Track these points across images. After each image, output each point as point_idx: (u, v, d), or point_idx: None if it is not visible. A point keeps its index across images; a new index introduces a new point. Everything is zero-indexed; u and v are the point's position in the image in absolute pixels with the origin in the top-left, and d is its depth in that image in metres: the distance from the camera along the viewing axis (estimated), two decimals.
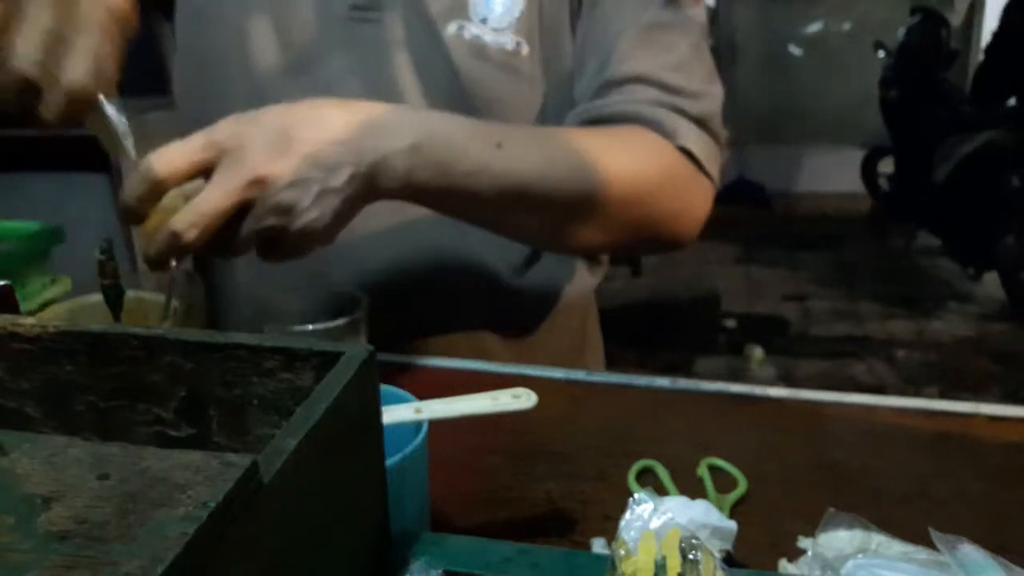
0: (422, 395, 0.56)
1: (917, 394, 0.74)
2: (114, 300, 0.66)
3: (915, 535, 0.49)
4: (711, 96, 0.84)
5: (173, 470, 0.31)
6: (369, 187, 0.68)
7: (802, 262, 4.25)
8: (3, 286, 0.49)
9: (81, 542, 0.28)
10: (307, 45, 0.86)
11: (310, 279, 0.86)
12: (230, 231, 0.64)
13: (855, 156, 4.58)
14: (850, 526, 0.50)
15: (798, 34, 5.33)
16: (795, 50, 5.35)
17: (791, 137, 5.29)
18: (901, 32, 4.04)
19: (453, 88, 0.84)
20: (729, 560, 0.53)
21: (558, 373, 0.84)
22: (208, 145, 0.62)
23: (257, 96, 0.87)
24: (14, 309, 0.60)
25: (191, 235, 0.61)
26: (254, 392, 0.43)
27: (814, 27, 5.31)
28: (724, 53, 5.00)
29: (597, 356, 1.08)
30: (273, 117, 0.65)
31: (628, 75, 0.82)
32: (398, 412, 0.54)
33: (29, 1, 0.58)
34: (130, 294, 0.68)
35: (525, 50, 0.84)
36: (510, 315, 0.95)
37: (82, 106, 0.61)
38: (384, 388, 0.54)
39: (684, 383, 0.81)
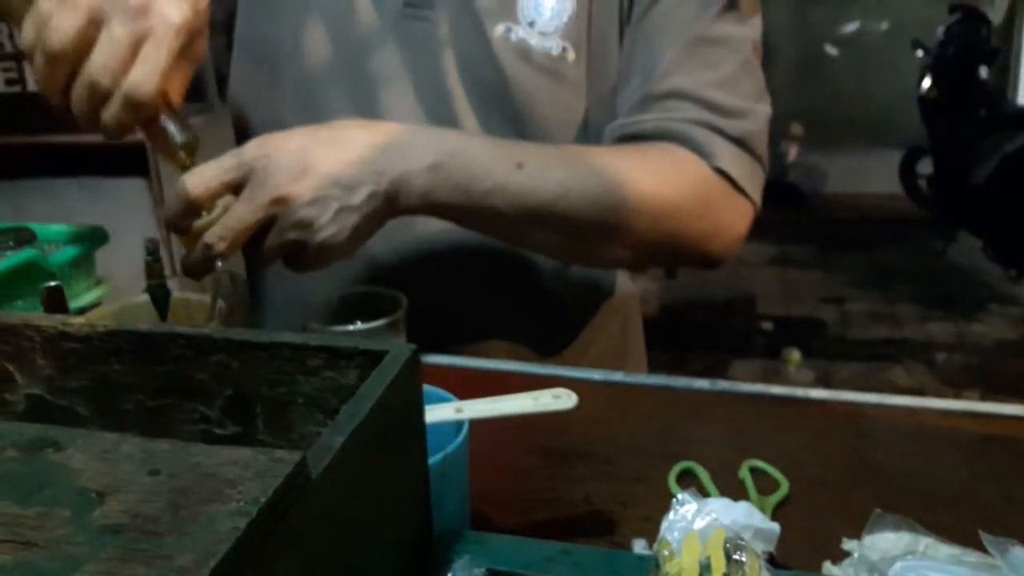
0: (461, 395, 0.56)
1: (958, 397, 0.73)
2: (161, 300, 0.68)
3: (962, 538, 0.49)
4: (755, 115, 0.82)
5: (223, 466, 0.32)
6: (389, 205, 0.71)
7: (839, 264, 4.21)
8: (54, 287, 0.50)
9: (134, 536, 0.29)
10: (360, 42, 0.88)
11: (354, 280, 0.87)
12: (258, 244, 0.69)
13: (893, 157, 4.52)
14: (897, 528, 0.49)
15: (835, 34, 5.27)
16: (831, 50, 5.29)
17: (828, 138, 5.23)
18: (940, 31, 3.98)
19: (497, 89, 0.84)
20: (772, 562, 0.53)
21: (597, 375, 0.83)
22: (237, 166, 0.67)
23: (308, 93, 0.89)
24: (63, 309, 0.61)
25: (221, 247, 0.67)
26: (299, 390, 0.44)
27: (851, 27, 5.25)
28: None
29: (639, 363, 1.08)
30: (298, 140, 0.69)
31: (669, 90, 0.81)
32: (439, 411, 0.54)
33: (110, 18, 0.63)
34: (176, 295, 0.69)
35: (571, 56, 0.84)
36: (551, 319, 0.95)
37: (139, 114, 0.65)
38: (425, 388, 0.54)
39: (724, 385, 0.80)
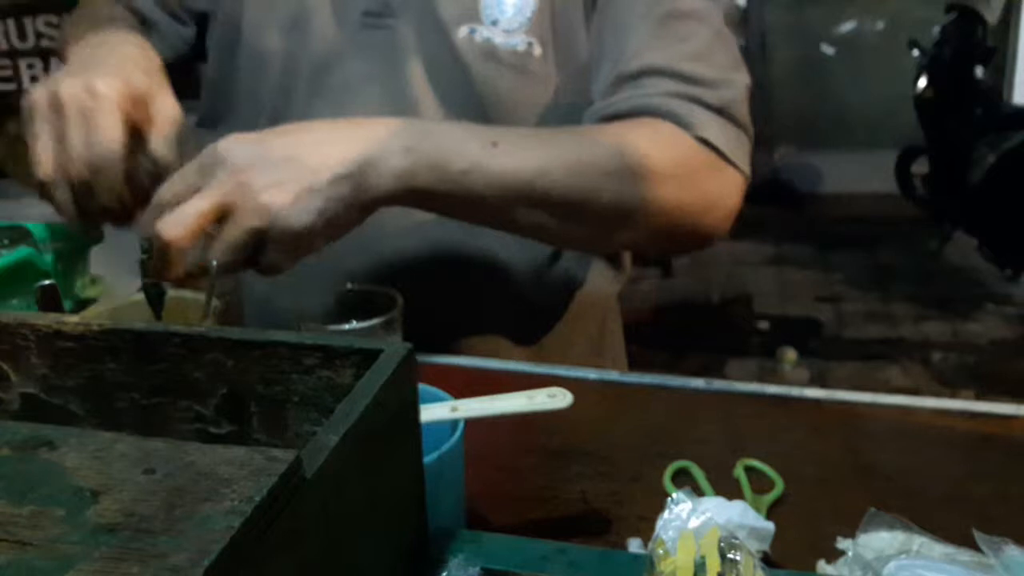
0: (456, 394, 0.56)
1: (953, 397, 0.73)
2: (155, 299, 0.67)
3: (956, 537, 0.49)
4: (734, 84, 0.81)
5: (218, 465, 0.32)
6: (359, 190, 0.68)
7: (835, 263, 4.21)
8: (48, 285, 0.49)
9: (129, 535, 0.29)
10: (322, 53, 0.88)
11: (336, 279, 0.86)
12: (212, 237, 0.66)
13: (889, 156, 4.52)
14: (891, 527, 0.49)
15: (831, 33, 5.27)
16: (827, 49, 5.30)
17: (824, 137, 5.23)
18: (936, 30, 3.99)
19: (466, 90, 0.84)
20: (766, 561, 0.53)
21: (592, 374, 0.83)
22: (216, 207, 0.65)
23: (274, 108, 0.89)
24: (58, 308, 0.61)
25: (174, 232, 0.63)
26: (294, 389, 0.44)
27: (847, 26, 5.25)
28: (755, 53, 4.96)
29: (617, 361, 1.07)
30: (256, 134, 0.68)
31: (642, 68, 0.80)
32: (435, 410, 0.54)
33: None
34: (171, 293, 0.68)
35: (537, 51, 0.84)
36: (526, 316, 0.95)
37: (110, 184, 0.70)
38: (421, 387, 0.54)
39: (719, 384, 0.80)
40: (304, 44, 0.88)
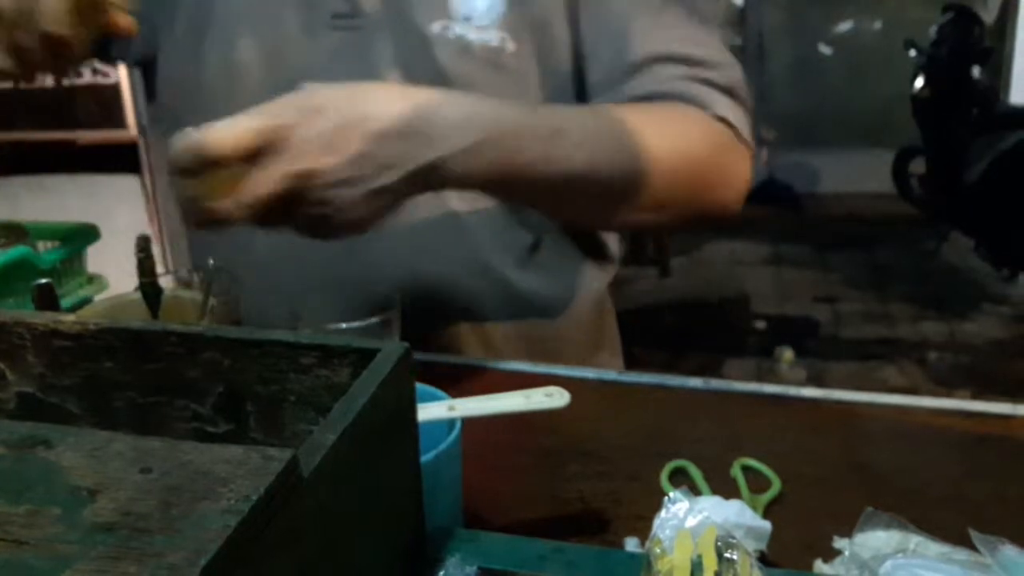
0: (453, 393, 0.56)
1: (949, 397, 0.73)
2: (153, 298, 0.67)
3: (953, 536, 0.49)
4: (732, 65, 0.85)
5: (214, 464, 0.32)
6: (422, 185, 0.67)
7: (832, 263, 4.21)
8: (45, 284, 0.49)
9: (126, 534, 0.29)
10: (292, 58, 0.87)
11: (338, 279, 0.86)
12: (272, 211, 0.63)
13: (886, 156, 4.52)
14: (888, 526, 0.49)
15: (828, 33, 5.28)
16: (825, 50, 5.30)
17: (821, 137, 5.23)
18: (933, 30, 3.99)
19: (439, 87, 0.84)
20: (763, 560, 0.53)
21: (590, 373, 0.83)
22: (261, 132, 0.60)
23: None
24: (54, 306, 0.61)
25: (237, 214, 0.61)
26: (291, 388, 0.44)
27: (844, 26, 5.26)
28: (752, 53, 4.97)
29: (615, 356, 1.08)
30: (331, 110, 0.63)
31: (650, 55, 0.82)
32: (432, 409, 0.54)
33: None
34: (168, 292, 0.68)
35: (511, 46, 0.84)
36: (517, 313, 0.95)
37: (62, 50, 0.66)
38: (418, 386, 0.54)
39: (716, 383, 0.81)
40: (275, 50, 0.87)
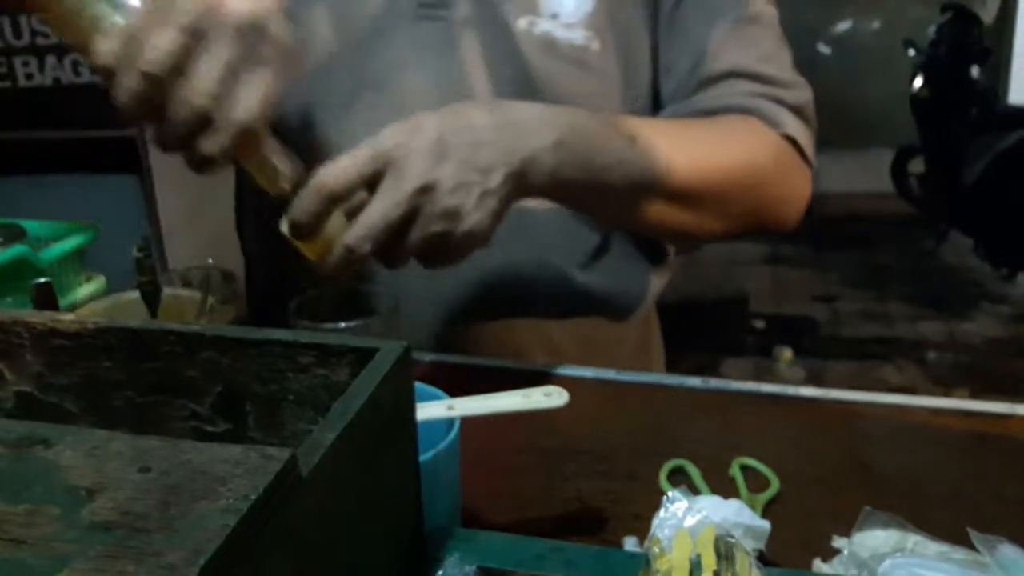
0: (452, 392, 0.56)
1: (948, 396, 0.74)
2: (151, 297, 0.67)
3: (952, 535, 0.49)
4: (803, 85, 0.87)
5: (213, 463, 0.32)
6: (521, 186, 0.68)
7: (831, 263, 4.21)
8: (44, 283, 0.49)
9: (124, 533, 0.29)
10: (377, 45, 0.86)
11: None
12: (396, 240, 0.64)
13: (885, 156, 4.53)
14: (886, 525, 0.49)
15: (827, 33, 5.28)
16: (824, 49, 5.30)
17: (820, 136, 5.23)
18: (932, 30, 3.99)
19: (523, 84, 0.84)
20: (762, 560, 0.53)
21: (588, 372, 0.83)
22: (374, 157, 0.62)
23: (332, 104, 0.86)
24: (53, 306, 0.61)
25: (365, 247, 0.62)
26: (289, 388, 0.44)
27: (843, 26, 5.26)
28: None
29: (658, 359, 1.08)
30: (429, 127, 0.65)
31: (725, 70, 0.84)
32: (431, 409, 0.54)
33: (213, 36, 0.58)
34: (166, 291, 0.68)
35: (596, 45, 0.85)
36: (580, 312, 0.94)
37: (246, 141, 0.60)
38: (416, 385, 0.54)
39: (715, 383, 0.81)
40: (358, 38, 0.86)
